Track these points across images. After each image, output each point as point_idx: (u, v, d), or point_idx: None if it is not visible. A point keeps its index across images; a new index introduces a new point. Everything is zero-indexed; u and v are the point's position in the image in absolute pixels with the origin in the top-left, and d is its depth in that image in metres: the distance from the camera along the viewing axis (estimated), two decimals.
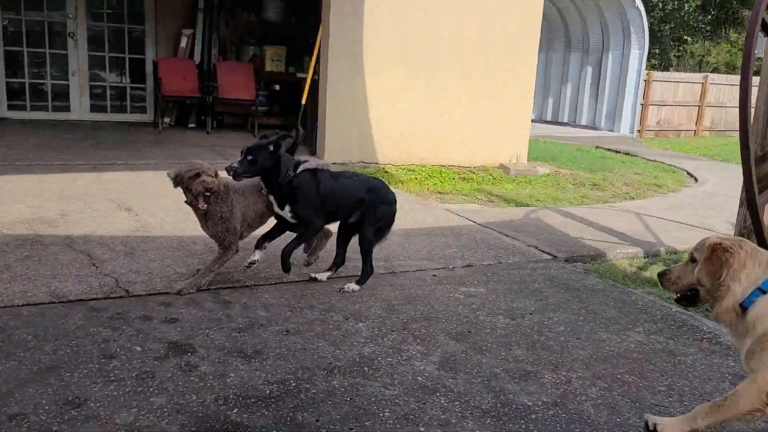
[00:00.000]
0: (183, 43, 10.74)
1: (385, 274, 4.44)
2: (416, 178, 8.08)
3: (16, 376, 2.78)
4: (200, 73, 10.49)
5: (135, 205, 5.71)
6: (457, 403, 2.83)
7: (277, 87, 11.05)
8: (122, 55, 11.19)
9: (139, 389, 2.75)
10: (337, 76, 8.25)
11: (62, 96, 10.91)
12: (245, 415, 2.62)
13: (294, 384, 2.90)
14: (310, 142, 8.92)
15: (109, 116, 11.14)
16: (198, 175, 3.79)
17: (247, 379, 2.92)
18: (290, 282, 4.15)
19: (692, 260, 2.46)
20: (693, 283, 2.44)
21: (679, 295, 2.54)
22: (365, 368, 3.09)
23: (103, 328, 3.30)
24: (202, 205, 3.82)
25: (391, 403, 2.79)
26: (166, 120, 10.59)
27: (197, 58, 10.73)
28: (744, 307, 2.30)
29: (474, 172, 8.82)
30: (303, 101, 8.67)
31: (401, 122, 8.73)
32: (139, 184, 6.49)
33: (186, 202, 3.92)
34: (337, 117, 8.36)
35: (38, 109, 10.71)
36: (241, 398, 2.75)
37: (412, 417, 2.70)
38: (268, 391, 2.82)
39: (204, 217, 3.94)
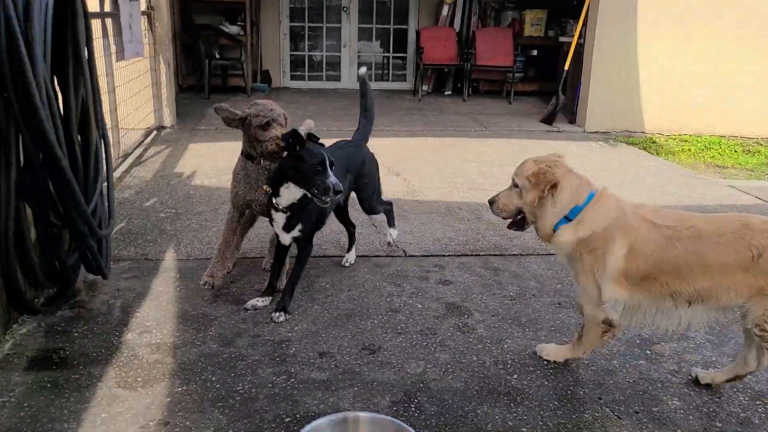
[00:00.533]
0: (444, 12, 11.01)
1: None
2: (689, 150, 7.37)
3: (321, 318, 3.16)
4: (458, 41, 10.68)
5: (402, 170, 6.05)
6: (758, 402, 2.56)
7: (535, 52, 10.80)
8: (387, 26, 11.84)
9: (424, 344, 2.95)
10: (605, 39, 7.79)
11: (334, 66, 11.94)
12: (525, 382, 2.67)
13: None
14: (570, 109, 8.60)
15: (373, 85, 11.83)
16: (269, 123, 3.12)
17: (524, 347, 2.96)
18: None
19: (514, 185, 2.59)
20: (519, 207, 2.60)
21: (510, 221, 2.69)
22: (647, 351, 2.93)
23: (387, 284, 3.59)
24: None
25: (679, 392, 2.62)
26: (424, 87, 11.01)
27: (457, 25, 10.92)
28: (554, 231, 2.52)
29: (761, 144, 7.76)
30: (566, 66, 8.35)
31: (675, 87, 7.98)
32: (403, 150, 6.87)
33: (245, 153, 3.27)
34: (602, 83, 7.92)
35: (314, 79, 11.87)
36: (519, 365, 2.80)
37: (705, 410, 2.50)
38: (545, 362, 2.83)
39: (257, 177, 3.27)
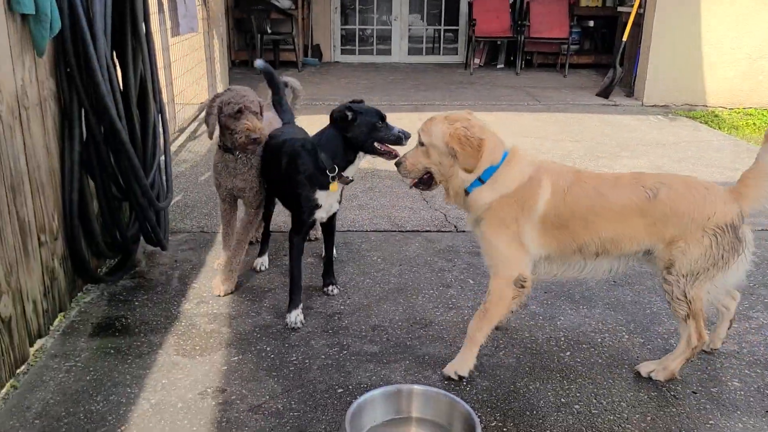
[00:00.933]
0: None
1: None
2: (755, 124, 7.04)
3: (373, 292, 3.18)
4: (512, 12, 10.42)
5: None
6: None
7: (591, 23, 10.46)
8: None
9: None
10: (667, 8, 7.46)
11: (384, 40, 11.86)
12: (578, 360, 2.63)
13: (626, 336, 2.82)
14: (627, 83, 8.32)
15: (424, 58, 11.80)
16: (240, 111, 2.88)
17: (577, 324, 2.92)
18: None
19: (421, 144, 2.47)
20: (427, 167, 2.47)
21: (415, 180, 2.54)
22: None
23: (438, 259, 3.58)
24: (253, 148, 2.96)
25: (739, 373, 2.55)
26: (476, 61, 10.82)
27: None
28: (467, 192, 2.45)
29: None
30: (624, 38, 8.06)
31: (742, 58, 7.61)
32: None
33: (222, 146, 3.06)
34: (662, 54, 7.62)
35: (364, 53, 11.82)
36: (571, 342, 2.77)
37: None
38: (599, 339, 2.78)
39: (235, 166, 3.06)
